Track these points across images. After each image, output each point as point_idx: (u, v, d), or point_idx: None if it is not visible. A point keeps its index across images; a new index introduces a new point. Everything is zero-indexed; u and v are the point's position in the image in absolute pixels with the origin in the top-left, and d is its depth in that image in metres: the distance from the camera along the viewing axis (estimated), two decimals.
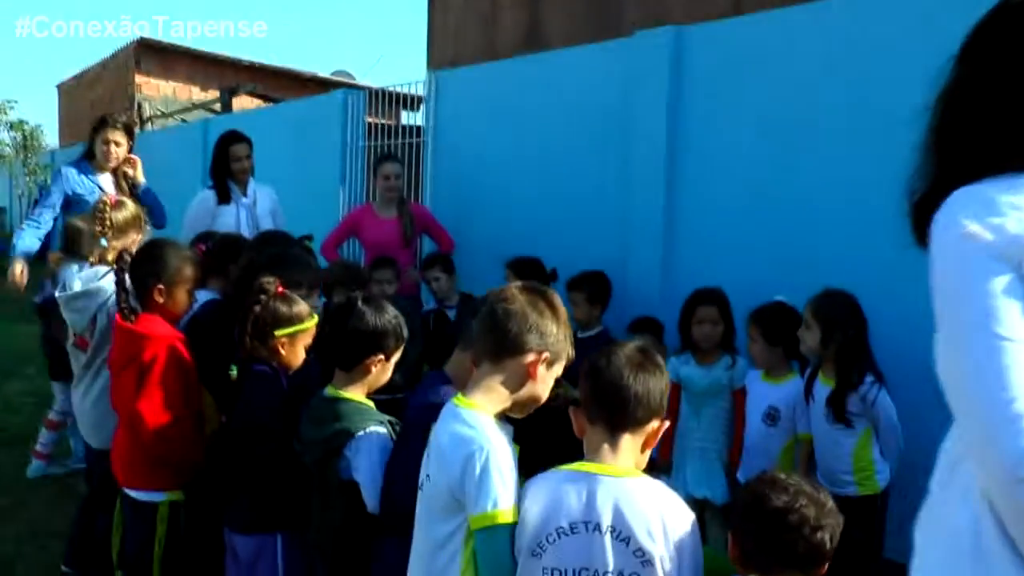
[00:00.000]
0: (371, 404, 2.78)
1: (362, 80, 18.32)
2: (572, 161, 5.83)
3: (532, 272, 5.27)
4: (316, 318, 3.19)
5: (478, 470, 1.93)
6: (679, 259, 5.13)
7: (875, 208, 4.09)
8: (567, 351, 2.16)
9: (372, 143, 8.25)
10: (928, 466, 1.36)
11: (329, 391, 2.78)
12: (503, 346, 2.09)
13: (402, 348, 2.84)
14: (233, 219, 5.77)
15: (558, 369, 2.17)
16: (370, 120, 8.45)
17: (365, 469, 2.61)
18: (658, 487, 1.96)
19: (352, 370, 2.75)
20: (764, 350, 3.86)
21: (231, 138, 5.94)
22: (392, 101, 8.13)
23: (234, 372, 3.21)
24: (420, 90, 7.78)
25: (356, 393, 2.76)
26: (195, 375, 3.26)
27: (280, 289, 3.12)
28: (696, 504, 4.11)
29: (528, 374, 2.10)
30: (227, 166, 5.88)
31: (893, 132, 4.09)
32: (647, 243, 5.24)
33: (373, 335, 2.72)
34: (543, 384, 2.14)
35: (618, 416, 1.98)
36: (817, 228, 4.39)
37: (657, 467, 4.32)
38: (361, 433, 2.64)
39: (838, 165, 4.30)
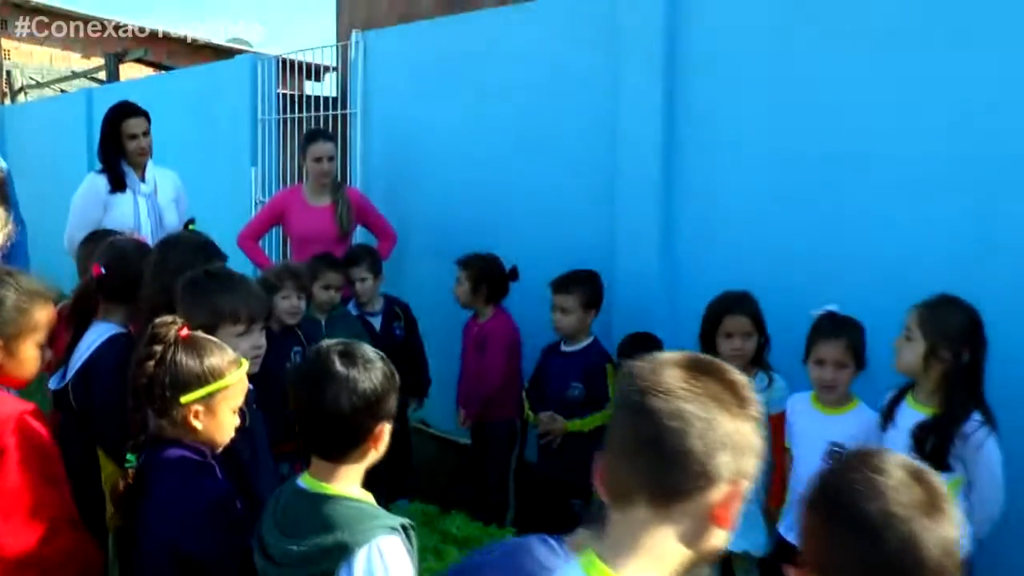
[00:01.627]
0: (371, 499, 1.91)
1: (259, 48, 16.97)
2: (541, 135, 4.95)
3: (489, 272, 4.53)
4: (244, 364, 2.25)
5: None
6: (681, 254, 4.32)
7: (947, 192, 3.39)
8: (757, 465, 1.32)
9: (285, 116, 7.21)
10: None
11: (308, 484, 1.89)
12: (679, 479, 1.23)
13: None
14: (131, 210, 4.74)
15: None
16: (281, 91, 7.42)
17: None
18: None
19: (345, 458, 1.86)
20: (850, 377, 3.17)
21: (125, 111, 4.88)
22: (298, 70, 7.16)
23: (132, 462, 2.20)
24: (328, 56, 6.90)
25: (349, 484, 1.88)
26: (58, 456, 2.30)
27: (184, 332, 2.18)
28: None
29: (714, 518, 1.26)
30: (120, 145, 4.84)
31: (962, 102, 3.44)
32: (640, 236, 4.40)
33: (372, 405, 1.84)
34: (728, 526, 1.29)
35: None
36: (863, 220, 3.64)
37: None
38: (365, 547, 1.77)
39: (889, 140, 3.56)
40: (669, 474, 1.23)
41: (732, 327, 3.56)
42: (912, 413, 2.94)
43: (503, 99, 5.16)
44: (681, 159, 4.28)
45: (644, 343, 3.88)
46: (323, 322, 4.29)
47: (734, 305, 3.58)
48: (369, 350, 1.91)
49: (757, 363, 3.58)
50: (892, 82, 3.58)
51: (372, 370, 1.86)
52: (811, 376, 3.22)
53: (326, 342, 1.91)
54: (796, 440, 3.34)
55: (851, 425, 3.15)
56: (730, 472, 1.24)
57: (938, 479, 1.27)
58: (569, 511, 4.09)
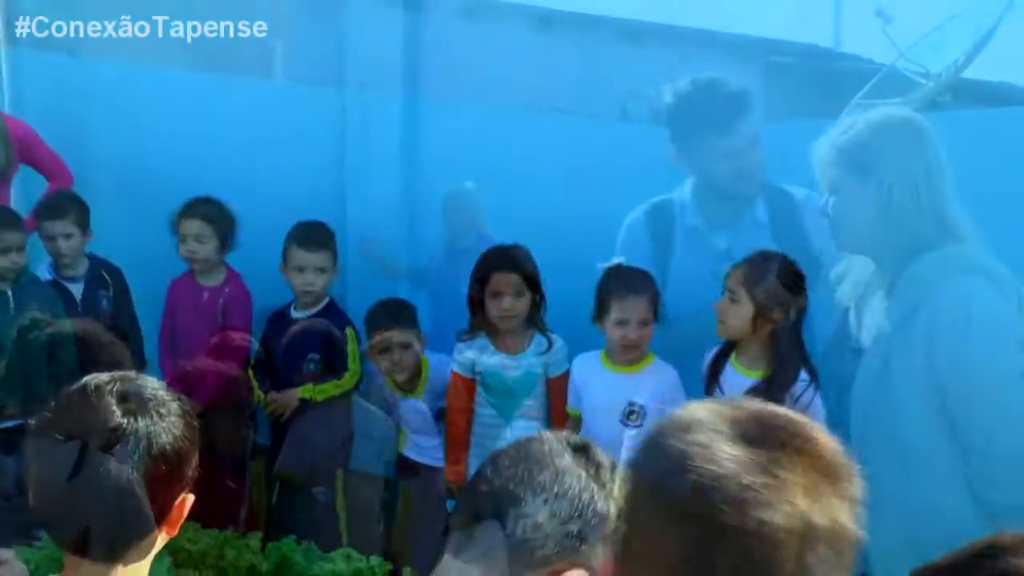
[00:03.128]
0: None
1: None
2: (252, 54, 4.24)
3: (231, 221, 3.86)
4: None
5: None
6: (424, 198, 3.92)
7: None
8: None
9: None
10: None
11: None
12: None
13: None
14: None
15: None
16: None
17: None
18: None
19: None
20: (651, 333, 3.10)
21: None
22: None
23: None
24: None
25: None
26: None
27: None
28: None
29: None
30: None
31: None
32: (378, 181, 3.92)
33: (173, 470, 1.28)
34: None
35: None
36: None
37: (451, 492, 3.37)
38: None
39: None
40: None
41: (500, 285, 3.24)
42: (740, 378, 2.87)
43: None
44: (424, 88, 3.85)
45: (396, 312, 3.51)
46: (9, 293, 3.59)
47: (501, 261, 3.28)
48: (155, 385, 1.32)
49: (532, 324, 3.33)
50: None
51: (168, 416, 1.29)
52: (611, 337, 3.04)
53: (90, 379, 1.28)
54: (588, 404, 3.16)
55: (649, 382, 3.04)
56: None
57: None
58: (312, 501, 3.66)
